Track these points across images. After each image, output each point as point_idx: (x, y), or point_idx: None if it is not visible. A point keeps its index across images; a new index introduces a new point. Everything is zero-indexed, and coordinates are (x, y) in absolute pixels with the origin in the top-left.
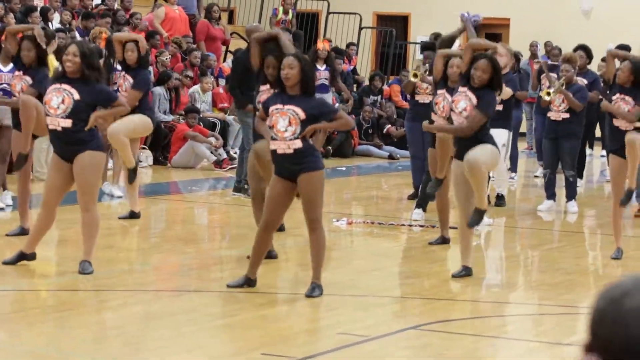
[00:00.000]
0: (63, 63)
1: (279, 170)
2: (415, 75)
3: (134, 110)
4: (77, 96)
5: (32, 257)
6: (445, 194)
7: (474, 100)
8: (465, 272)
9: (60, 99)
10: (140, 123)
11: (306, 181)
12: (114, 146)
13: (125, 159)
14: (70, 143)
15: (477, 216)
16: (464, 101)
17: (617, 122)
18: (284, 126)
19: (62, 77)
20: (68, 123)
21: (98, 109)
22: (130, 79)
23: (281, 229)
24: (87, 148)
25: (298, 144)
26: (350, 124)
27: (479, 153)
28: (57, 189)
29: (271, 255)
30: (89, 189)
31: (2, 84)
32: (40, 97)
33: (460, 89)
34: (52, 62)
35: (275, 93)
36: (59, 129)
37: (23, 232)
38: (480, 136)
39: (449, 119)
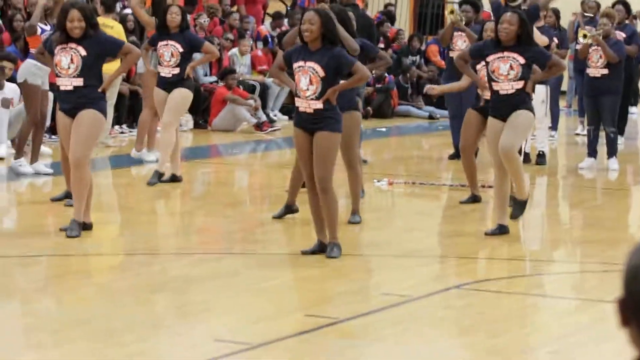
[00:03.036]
0: (68, 30)
1: (299, 122)
2: (451, 12)
3: (176, 81)
4: (83, 52)
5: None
6: (471, 153)
7: (520, 59)
8: (500, 231)
9: (69, 59)
10: (182, 100)
11: (321, 139)
12: (161, 139)
13: (163, 159)
14: (79, 101)
15: (519, 207)
16: (504, 64)
17: None
18: (306, 84)
19: (66, 37)
20: (79, 82)
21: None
22: (177, 45)
23: (293, 210)
24: (92, 107)
25: (318, 104)
26: (367, 76)
27: (512, 136)
28: None
29: (291, 210)
30: (85, 143)
31: None
32: None
33: (498, 54)
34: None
35: (299, 47)
36: (71, 88)
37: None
38: (521, 96)
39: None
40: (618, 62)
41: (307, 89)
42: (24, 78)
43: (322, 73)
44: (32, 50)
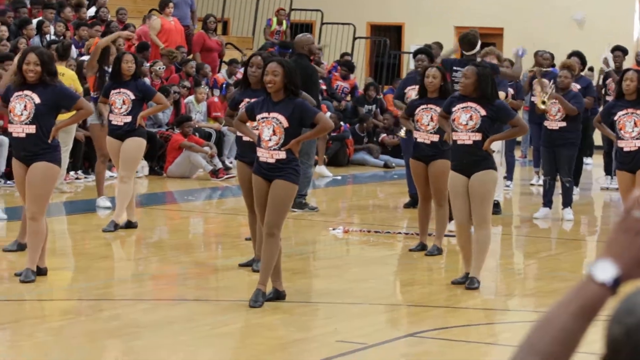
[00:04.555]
0: (23, 72)
1: (258, 170)
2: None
3: (128, 130)
4: (37, 100)
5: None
6: (428, 202)
7: (482, 111)
8: (465, 279)
9: (22, 105)
10: (136, 150)
11: (279, 187)
12: (118, 190)
13: (119, 210)
14: (32, 150)
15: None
16: (466, 114)
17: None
18: (269, 135)
19: (23, 84)
20: (32, 129)
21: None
22: (129, 93)
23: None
24: (44, 158)
25: (281, 154)
26: (329, 126)
27: (483, 208)
28: None
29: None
30: (39, 199)
31: None
32: None
33: (459, 105)
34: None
35: (262, 99)
36: (23, 135)
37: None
38: (486, 154)
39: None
40: (576, 114)
41: (270, 140)
42: None
43: (285, 124)
44: None
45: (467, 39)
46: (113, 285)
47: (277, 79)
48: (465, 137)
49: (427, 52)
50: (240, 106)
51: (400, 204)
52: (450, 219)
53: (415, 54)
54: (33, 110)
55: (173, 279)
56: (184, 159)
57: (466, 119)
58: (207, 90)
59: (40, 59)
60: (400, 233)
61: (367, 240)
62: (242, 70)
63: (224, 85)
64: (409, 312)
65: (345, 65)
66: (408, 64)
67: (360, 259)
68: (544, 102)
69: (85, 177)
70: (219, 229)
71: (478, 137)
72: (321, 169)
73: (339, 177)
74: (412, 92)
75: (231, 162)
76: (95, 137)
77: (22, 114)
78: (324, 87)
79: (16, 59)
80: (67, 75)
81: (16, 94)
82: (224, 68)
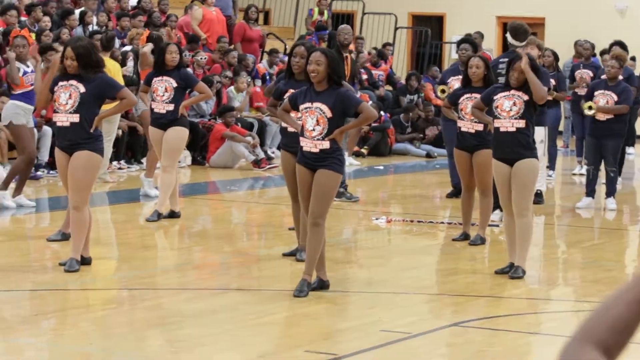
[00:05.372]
0: (65, 65)
1: (302, 159)
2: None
3: (171, 119)
4: (82, 89)
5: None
6: (471, 191)
7: (524, 96)
8: (510, 269)
9: (67, 95)
10: (178, 140)
11: (323, 177)
12: (161, 180)
13: (162, 199)
14: (75, 139)
15: (520, 271)
16: (509, 101)
17: None
18: (312, 125)
19: (66, 73)
20: (76, 118)
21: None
22: (171, 80)
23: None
24: (87, 147)
25: (325, 144)
26: (372, 115)
27: (524, 195)
28: None
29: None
30: (82, 188)
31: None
32: None
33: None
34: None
35: (305, 89)
36: (67, 124)
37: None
38: (529, 143)
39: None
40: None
41: (314, 130)
42: (9, 120)
43: (329, 114)
44: (15, 92)
45: (522, 28)
46: (156, 274)
47: (321, 69)
48: (508, 124)
49: (471, 42)
50: (284, 96)
51: (442, 194)
52: (493, 208)
53: (459, 43)
54: (78, 99)
55: (216, 268)
56: (226, 148)
57: (509, 105)
58: (249, 80)
59: (75, 52)
60: (443, 223)
61: (410, 229)
62: (284, 59)
63: (266, 75)
64: (452, 301)
65: (378, 54)
66: (450, 54)
67: (403, 248)
68: (590, 108)
69: (128, 167)
70: (261, 219)
71: (521, 123)
72: (348, 158)
73: (381, 167)
74: (455, 83)
75: (273, 152)
76: (146, 124)
77: (67, 103)
78: (365, 76)
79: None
80: (109, 67)
81: (61, 83)
82: (265, 58)
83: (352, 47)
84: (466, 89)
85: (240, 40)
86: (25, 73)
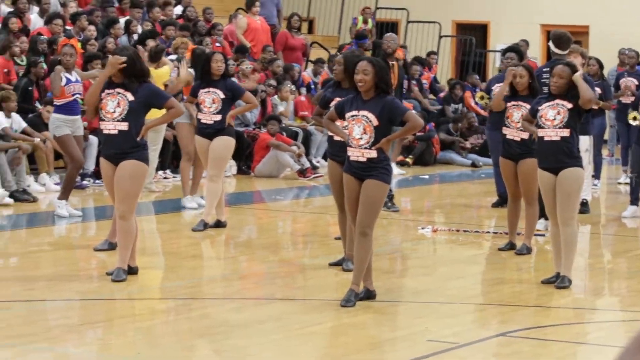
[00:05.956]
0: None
1: (349, 169)
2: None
3: (217, 129)
4: (131, 97)
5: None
6: (517, 200)
7: (568, 104)
8: (556, 279)
9: (115, 103)
10: (225, 150)
11: (371, 187)
12: (207, 190)
13: (209, 209)
14: (122, 147)
15: (567, 280)
16: (553, 110)
17: None
18: (359, 133)
19: (112, 81)
20: (124, 126)
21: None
22: (218, 92)
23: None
24: (133, 156)
25: (372, 153)
26: (419, 124)
27: (569, 205)
28: None
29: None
30: (129, 198)
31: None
32: None
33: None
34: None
35: (351, 97)
36: (115, 132)
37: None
38: (573, 152)
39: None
40: None
41: (361, 138)
42: (53, 134)
43: (376, 122)
44: (56, 102)
45: (566, 37)
46: (202, 284)
47: (368, 78)
48: (552, 134)
49: (517, 50)
50: (330, 105)
51: (487, 203)
52: (539, 217)
53: (505, 52)
54: (127, 108)
55: (261, 278)
56: (271, 158)
57: (553, 114)
58: (293, 88)
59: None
60: (488, 232)
61: (456, 239)
62: (326, 69)
63: (311, 84)
64: (499, 311)
65: (418, 61)
66: (494, 63)
67: (449, 258)
68: (635, 118)
69: (174, 177)
70: (307, 228)
71: (566, 132)
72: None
73: (426, 177)
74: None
75: (318, 162)
76: (181, 136)
77: (114, 111)
78: (416, 88)
79: None
80: (155, 78)
81: (107, 91)
82: (310, 67)
83: (400, 55)
84: (512, 97)
85: (283, 49)
86: (68, 82)
